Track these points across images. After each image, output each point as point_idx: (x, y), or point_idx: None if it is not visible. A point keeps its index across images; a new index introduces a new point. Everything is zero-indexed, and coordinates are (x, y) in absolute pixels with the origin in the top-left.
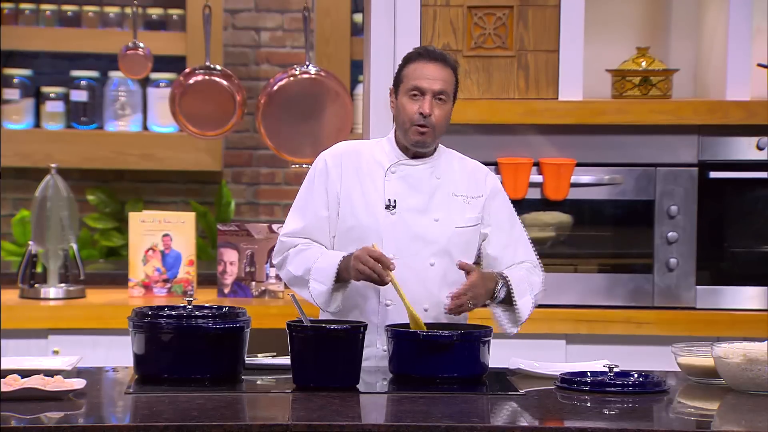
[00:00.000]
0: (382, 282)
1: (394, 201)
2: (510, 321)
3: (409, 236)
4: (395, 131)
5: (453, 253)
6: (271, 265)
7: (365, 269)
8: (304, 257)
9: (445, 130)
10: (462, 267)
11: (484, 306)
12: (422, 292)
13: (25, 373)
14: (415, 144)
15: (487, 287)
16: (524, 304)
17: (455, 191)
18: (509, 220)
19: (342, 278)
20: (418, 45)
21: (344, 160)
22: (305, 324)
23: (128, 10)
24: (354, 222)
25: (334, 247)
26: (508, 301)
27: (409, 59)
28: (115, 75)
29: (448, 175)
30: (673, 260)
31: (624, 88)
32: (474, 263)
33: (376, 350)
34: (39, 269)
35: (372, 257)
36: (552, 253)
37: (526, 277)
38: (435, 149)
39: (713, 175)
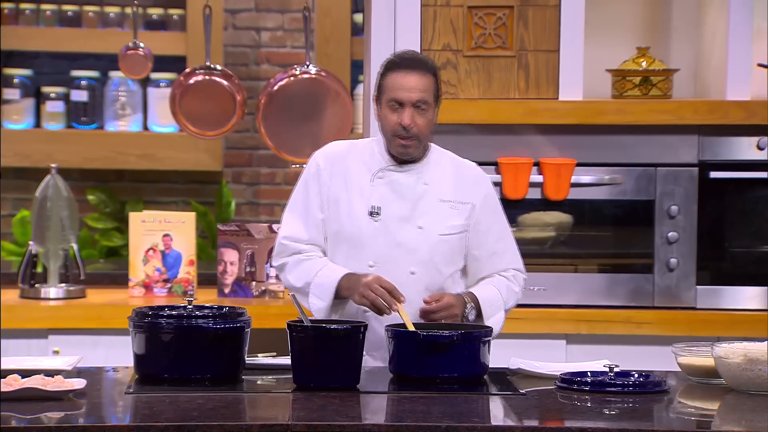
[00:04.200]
0: (383, 312)
1: (378, 208)
2: None
3: (391, 244)
4: None
5: (436, 261)
6: (272, 266)
7: (371, 295)
8: (304, 269)
9: (431, 135)
10: (426, 306)
11: None
12: None
13: (25, 373)
14: (400, 155)
15: (461, 309)
16: (495, 323)
17: (443, 197)
18: (499, 228)
19: (341, 295)
20: (409, 49)
21: (335, 163)
22: (305, 324)
23: (128, 10)
24: (338, 227)
25: (327, 249)
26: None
27: (387, 69)
28: (115, 75)
29: (437, 180)
30: (673, 260)
31: (624, 88)
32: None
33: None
34: (39, 269)
35: (382, 286)
36: (552, 253)
37: (499, 293)
38: (425, 152)
39: (713, 175)
